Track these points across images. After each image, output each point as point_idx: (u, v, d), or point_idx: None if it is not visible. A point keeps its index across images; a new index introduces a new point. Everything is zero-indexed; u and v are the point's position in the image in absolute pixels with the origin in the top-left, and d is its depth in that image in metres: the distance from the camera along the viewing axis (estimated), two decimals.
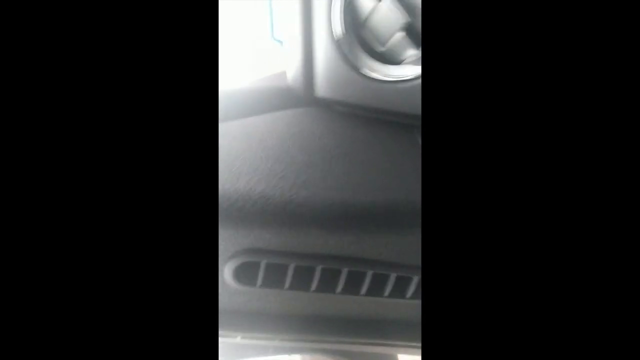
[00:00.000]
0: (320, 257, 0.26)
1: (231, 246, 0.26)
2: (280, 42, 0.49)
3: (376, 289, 0.28)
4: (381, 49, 0.26)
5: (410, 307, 0.31)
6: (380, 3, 0.24)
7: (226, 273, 0.27)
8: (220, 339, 0.31)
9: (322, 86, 0.28)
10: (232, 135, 0.26)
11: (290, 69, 0.29)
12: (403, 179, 0.25)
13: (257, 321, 0.30)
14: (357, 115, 0.28)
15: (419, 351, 0.35)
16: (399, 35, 0.25)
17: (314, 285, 0.27)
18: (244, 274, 0.27)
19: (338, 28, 0.25)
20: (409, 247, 0.26)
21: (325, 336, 0.32)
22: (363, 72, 0.26)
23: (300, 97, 0.29)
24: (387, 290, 0.28)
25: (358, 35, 0.26)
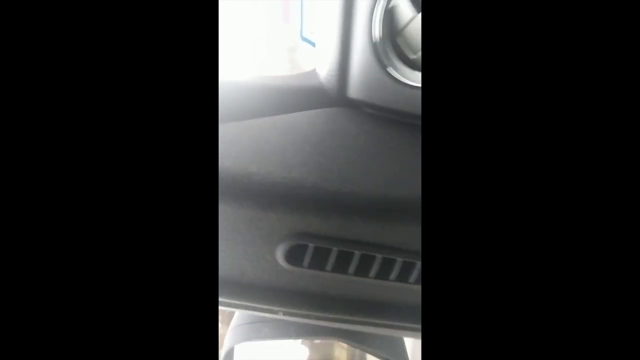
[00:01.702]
0: (359, 244, 0.29)
1: (285, 229, 0.28)
2: (309, 41, 0.50)
3: (403, 275, 0.31)
4: (413, 56, 0.27)
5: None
6: (417, 17, 0.26)
7: (278, 254, 0.29)
8: (262, 314, 0.34)
9: (356, 88, 0.29)
10: (279, 128, 0.29)
11: (323, 68, 0.30)
12: None
13: (299, 299, 0.33)
14: (387, 118, 0.30)
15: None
16: None
17: (351, 269, 0.30)
18: (293, 255, 0.29)
19: (377, 33, 0.27)
20: None
21: (354, 316, 0.35)
22: (396, 77, 0.28)
23: (334, 97, 0.30)
24: (412, 277, 0.31)
25: (394, 41, 0.27)
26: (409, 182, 0.27)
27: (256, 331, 0.48)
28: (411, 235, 0.28)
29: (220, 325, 0.58)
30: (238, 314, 0.50)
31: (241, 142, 0.27)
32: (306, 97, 0.31)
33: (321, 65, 0.31)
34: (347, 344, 0.59)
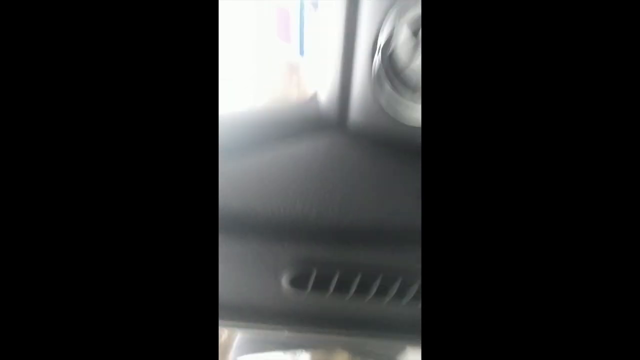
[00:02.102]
0: (360, 268, 0.31)
1: (289, 257, 0.30)
2: (310, 59, 0.50)
3: (399, 295, 0.33)
4: (411, 93, 0.27)
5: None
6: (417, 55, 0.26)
7: (284, 280, 0.32)
8: (269, 332, 0.37)
9: (356, 116, 0.29)
10: (280, 162, 0.30)
11: (323, 92, 0.31)
12: None
13: (302, 319, 0.36)
14: (387, 147, 0.30)
15: None
16: None
17: (351, 292, 0.32)
18: (298, 280, 0.32)
19: (377, 66, 0.27)
20: None
21: (354, 331, 0.37)
22: (396, 112, 0.28)
23: (334, 124, 0.31)
24: (407, 297, 0.33)
25: (393, 78, 0.27)
26: (406, 210, 0.29)
27: (261, 344, 0.49)
28: (408, 259, 0.30)
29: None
30: (240, 334, 0.52)
31: (246, 181, 0.29)
32: (308, 126, 0.31)
33: (322, 89, 0.31)
34: (348, 352, 0.60)
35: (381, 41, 0.26)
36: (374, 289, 0.32)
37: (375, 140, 0.30)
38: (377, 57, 0.26)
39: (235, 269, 0.31)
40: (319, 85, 0.32)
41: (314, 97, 0.32)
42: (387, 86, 0.27)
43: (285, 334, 0.37)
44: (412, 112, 0.28)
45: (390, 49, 0.26)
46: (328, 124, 0.31)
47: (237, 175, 0.29)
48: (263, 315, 0.35)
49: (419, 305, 0.33)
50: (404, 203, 0.29)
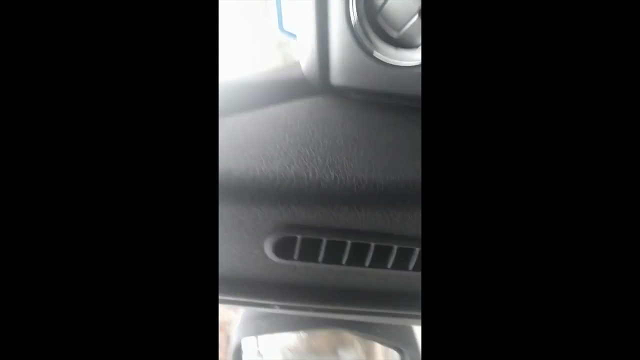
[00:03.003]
0: (350, 233, 0.28)
1: (271, 223, 0.28)
2: (290, 33, 0.49)
3: (401, 262, 0.30)
4: (396, 34, 0.26)
5: None
6: None
7: (266, 247, 0.29)
8: (259, 309, 0.34)
9: (338, 74, 0.29)
10: (259, 123, 0.28)
11: (304, 58, 0.30)
12: None
13: (293, 292, 0.33)
14: (373, 102, 0.29)
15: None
16: (414, 20, 0.25)
17: (344, 259, 0.29)
18: (283, 248, 0.29)
19: (354, 15, 0.26)
20: None
21: (353, 307, 0.34)
22: (379, 58, 0.27)
23: (316, 86, 0.30)
24: (412, 264, 0.30)
25: (373, 21, 0.26)
26: (398, 166, 0.27)
27: (256, 326, 0.48)
28: (405, 221, 0.28)
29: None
30: (244, 311, 0.51)
31: (223, 141, 0.27)
32: (289, 89, 0.30)
33: (302, 55, 0.30)
34: (352, 333, 0.59)
35: None
36: (370, 255, 0.29)
37: (360, 96, 0.29)
38: (352, 3, 0.25)
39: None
40: (299, 53, 0.31)
41: (297, 64, 0.32)
42: (368, 29, 0.26)
43: (276, 310, 0.35)
44: (398, 52, 0.27)
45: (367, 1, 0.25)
46: (310, 86, 0.30)
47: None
48: (249, 288, 0.33)
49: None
50: (396, 157, 0.27)
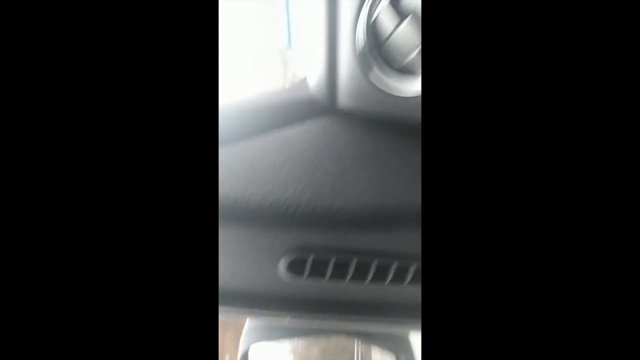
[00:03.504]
0: (355, 253, 0.31)
1: (285, 245, 0.31)
2: (296, 50, 0.51)
3: (398, 277, 0.33)
4: (401, 62, 0.27)
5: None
6: (402, 24, 0.26)
7: (280, 267, 0.32)
8: (271, 319, 0.38)
9: (345, 96, 0.30)
10: (272, 147, 0.30)
11: (312, 78, 0.31)
12: None
13: (303, 305, 0.36)
14: (379, 126, 0.30)
15: None
16: (417, 51, 0.26)
17: (348, 276, 0.32)
18: (294, 267, 0.32)
19: (360, 43, 0.27)
20: None
21: (355, 316, 0.38)
22: (381, 88, 0.28)
23: (324, 107, 0.31)
24: (408, 279, 0.33)
25: (379, 49, 0.27)
26: (400, 190, 0.29)
27: (268, 332, 0.50)
28: (405, 240, 0.30)
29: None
30: (250, 319, 0.52)
31: (237, 167, 0.29)
32: (298, 110, 0.31)
33: (310, 74, 0.31)
34: (353, 339, 0.61)
35: (362, 16, 0.26)
36: (372, 273, 0.32)
37: (366, 120, 0.30)
38: (360, 32, 0.26)
39: (232, 257, 0.31)
40: (308, 71, 0.32)
41: (303, 82, 0.33)
42: (373, 59, 0.27)
43: (287, 320, 0.37)
44: (400, 83, 0.27)
45: (371, 21, 0.26)
46: (318, 107, 0.31)
47: (228, 162, 0.29)
48: (263, 302, 0.35)
49: (419, 288, 0.33)
50: (399, 181, 0.29)
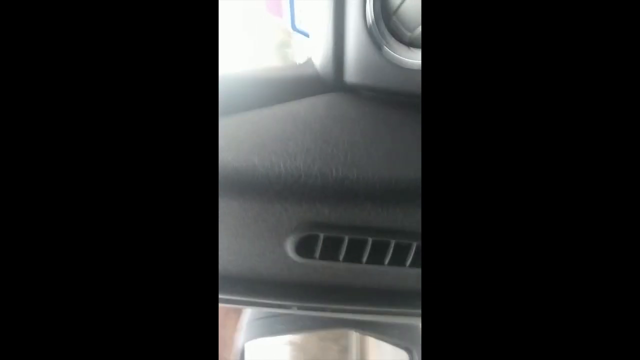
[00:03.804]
0: (372, 230, 0.28)
1: (294, 220, 0.28)
2: (302, 32, 0.49)
3: (418, 260, 0.30)
4: (409, 35, 0.27)
5: None
6: None
7: (288, 246, 0.29)
8: (276, 310, 0.34)
9: (352, 73, 0.29)
10: (279, 119, 0.28)
11: (318, 56, 0.30)
12: None
13: (312, 292, 0.33)
14: (388, 100, 0.29)
15: None
16: None
17: (364, 258, 0.29)
18: (304, 247, 0.29)
19: (370, 16, 0.26)
20: None
21: (369, 306, 0.34)
22: (392, 60, 0.27)
23: (331, 83, 0.30)
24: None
25: (388, 22, 0.27)
26: (414, 163, 0.27)
27: (269, 327, 0.48)
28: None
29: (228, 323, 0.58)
30: (249, 310, 0.50)
31: (241, 135, 0.27)
32: (303, 86, 0.30)
33: (316, 53, 0.31)
34: (361, 333, 0.59)
35: None
36: (389, 255, 0.29)
37: (373, 94, 0.29)
38: (368, 7, 0.26)
39: (235, 233, 0.29)
40: (313, 51, 0.31)
41: (309, 61, 0.32)
42: (383, 39, 0.27)
43: (294, 311, 0.34)
44: (409, 56, 0.27)
45: (383, 2, 0.25)
46: (325, 83, 0.30)
47: (231, 130, 0.27)
48: (268, 288, 0.32)
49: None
50: (411, 156, 0.27)
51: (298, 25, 0.50)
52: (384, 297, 0.34)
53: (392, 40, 0.27)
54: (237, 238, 0.29)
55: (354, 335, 0.67)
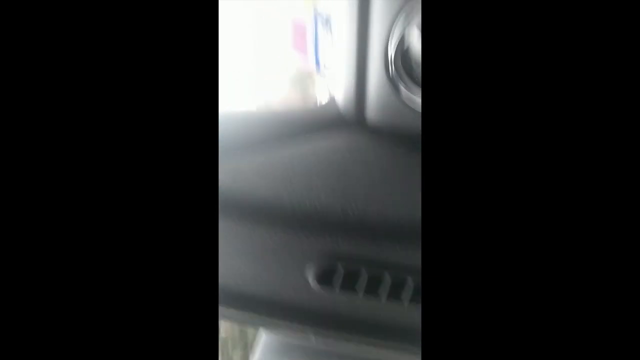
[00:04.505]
0: (389, 267, 0.30)
1: (314, 251, 0.30)
2: (324, 68, 0.52)
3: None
4: None
5: None
6: None
7: (309, 274, 0.31)
8: (294, 339, 0.36)
9: (373, 112, 0.30)
10: (303, 156, 0.30)
11: (340, 95, 0.32)
12: None
13: (330, 321, 0.34)
14: (405, 140, 0.31)
15: None
16: None
17: (382, 292, 0.30)
18: (324, 277, 0.31)
19: (391, 58, 0.28)
20: None
21: (391, 342, 0.35)
22: (412, 106, 0.29)
23: (352, 122, 0.32)
24: None
25: (408, 69, 0.28)
26: None
27: (287, 352, 0.48)
28: None
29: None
30: (263, 339, 0.51)
31: (271, 171, 0.29)
32: (326, 124, 0.32)
33: (338, 92, 0.32)
34: None
35: (393, 43, 0.27)
36: (408, 292, 0.30)
37: (393, 135, 0.31)
38: (391, 57, 0.27)
39: (260, 259, 0.31)
40: (336, 90, 0.33)
41: (332, 100, 0.34)
42: (403, 82, 0.28)
43: (311, 338, 0.35)
44: None
45: (404, 48, 0.27)
46: (347, 122, 0.32)
47: (262, 167, 0.29)
48: (288, 312, 0.34)
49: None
50: None
51: (321, 63, 0.52)
52: (402, 333, 0.35)
53: (410, 83, 0.28)
54: (262, 263, 0.32)
55: None
